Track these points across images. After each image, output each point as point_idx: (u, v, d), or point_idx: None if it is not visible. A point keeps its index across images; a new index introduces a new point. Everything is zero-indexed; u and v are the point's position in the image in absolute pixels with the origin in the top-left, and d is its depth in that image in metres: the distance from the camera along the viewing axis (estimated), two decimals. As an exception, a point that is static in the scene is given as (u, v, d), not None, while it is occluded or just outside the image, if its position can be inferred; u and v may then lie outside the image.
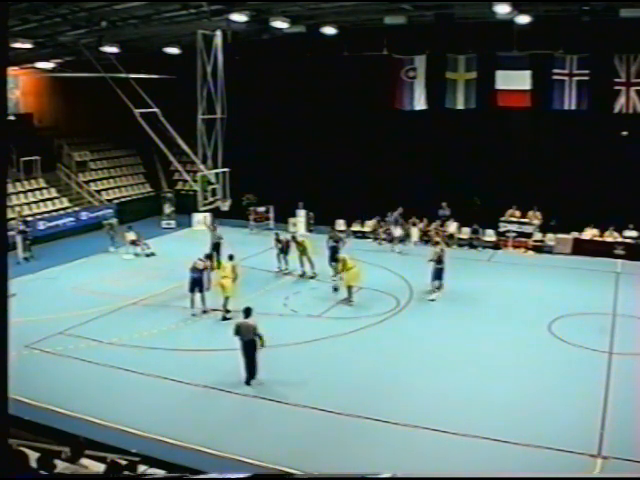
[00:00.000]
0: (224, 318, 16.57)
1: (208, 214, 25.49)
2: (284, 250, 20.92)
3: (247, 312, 13.03)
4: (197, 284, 17.07)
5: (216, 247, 21.80)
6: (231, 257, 17.91)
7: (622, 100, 21.66)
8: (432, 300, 18.16)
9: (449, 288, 19.15)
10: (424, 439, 10.92)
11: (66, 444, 7.52)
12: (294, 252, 20.79)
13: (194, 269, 17.11)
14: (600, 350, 14.39)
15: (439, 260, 18.49)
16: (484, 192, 24.80)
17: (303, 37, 21.62)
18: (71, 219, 27.07)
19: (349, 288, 17.93)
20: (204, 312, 17.23)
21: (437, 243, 19.45)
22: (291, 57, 25.03)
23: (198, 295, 17.17)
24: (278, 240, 21.05)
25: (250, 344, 12.70)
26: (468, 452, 10.41)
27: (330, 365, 13.95)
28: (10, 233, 21.77)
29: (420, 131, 25.17)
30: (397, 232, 24.89)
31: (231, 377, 13.13)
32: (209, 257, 17.77)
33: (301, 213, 27.61)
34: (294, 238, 21.00)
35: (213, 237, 22.33)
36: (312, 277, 20.38)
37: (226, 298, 16.73)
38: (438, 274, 18.44)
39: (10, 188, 25.80)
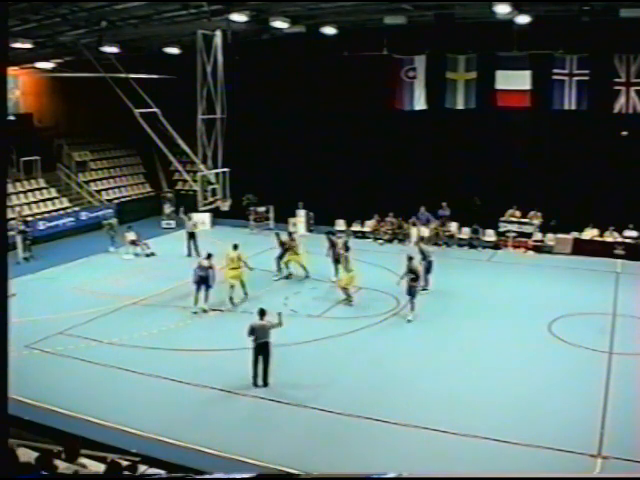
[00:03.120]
0: (232, 301, 17.73)
1: (182, 208, 26.64)
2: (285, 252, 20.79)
3: (262, 313, 12.97)
4: (203, 281, 17.24)
5: (192, 236, 23.23)
6: (235, 246, 18.41)
7: (622, 100, 21.68)
8: (409, 321, 16.62)
9: (449, 288, 19.21)
10: (424, 439, 10.92)
11: (61, 444, 7.53)
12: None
13: (200, 267, 17.33)
14: (600, 350, 14.39)
15: (415, 276, 16.80)
16: (484, 192, 24.81)
17: (303, 37, 21.64)
18: (71, 219, 27.07)
19: (345, 290, 17.92)
20: (204, 311, 17.28)
21: (411, 258, 17.17)
22: (291, 57, 25.04)
23: (202, 294, 17.24)
24: (282, 242, 20.77)
25: (264, 346, 12.68)
26: (468, 452, 10.41)
27: (330, 365, 13.95)
28: (10, 233, 21.78)
29: (420, 131, 25.18)
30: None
31: (231, 377, 13.16)
32: (210, 256, 17.83)
33: (301, 213, 27.61)
34: (292, 238, 20.79)
35: (187, 226, 23.69)
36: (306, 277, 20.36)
37: (242, 285, 18.09)
38: (410, 291, 16.75)
39: (10, 188, 25.80)
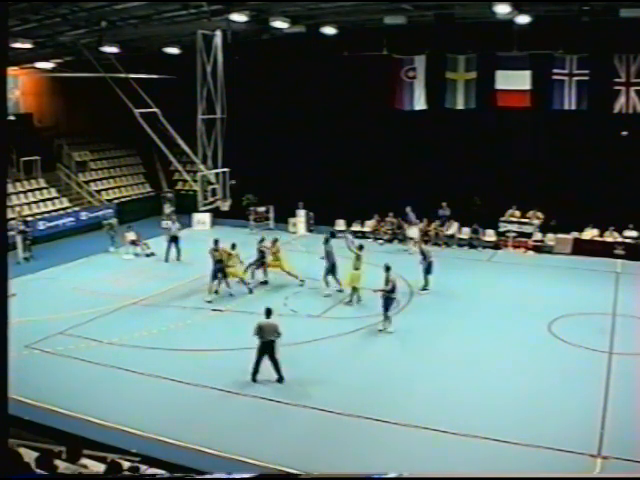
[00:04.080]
0: (250, 291, 18.81)
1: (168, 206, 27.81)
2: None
3: (268, 312, 13.11)
4: (219, 272, 18.31)
5: (174, 239, 22.83)
6: (234, 246, 19.09)
7: (622, 100, 21.67)
8: (380, 330, 15.87)
9: (449, 288, 19.20)
10: (424, 439, 10.92)
11: (63, 444, 7.54)
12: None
13: (216, 261, 18.33)
14: (600, 350, 14.39)
15: (392, 288, 15.76)
16: (484, 192, 24.81)
17: (303, 37, 21.64)
18: (71, 219, 27.07)
19: (354, 290, 17.76)
20: (210, 302, 17.86)
21: (388, 268, 16.07)
22: (291, 57, 25.04)
23: (216, 283, 18.35)
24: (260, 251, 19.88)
25: (270, 344, 12.79)
26: (468, 452, 10.42)
27: (330, 365, 13.95)
28: (10, 233, 21.78)
29: (420, 131, 25.17)
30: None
31: (231, 377, 13.16)
32: (217, 242, 18.77)
33: (301, 213, 27.62)
34: (274, 244, 19.89)
35: (172, 230, 23.06)
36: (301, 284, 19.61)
37: (241, 280, 18.81)
38: (387, 304, 15.80)
39: (10, 188, 25.80)
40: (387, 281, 15.83)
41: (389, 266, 16.12)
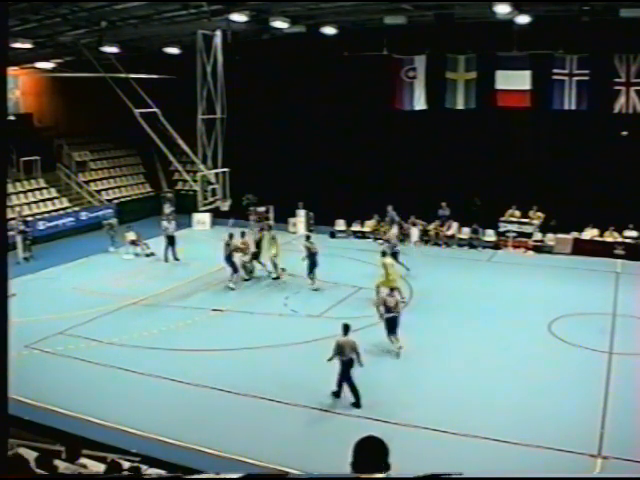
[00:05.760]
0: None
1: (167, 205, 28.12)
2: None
3: (346, 329, 12.31)
4: (230, 265, 19.36)
5: (171, 240, 22.81)
6: (243, 234, 20.72)
7: (622, 100, 21.67)
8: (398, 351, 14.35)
9: (449, 288, 19.22)
10: (424, 439, 10.92)
11: (63, 444, 7.54)
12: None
13: (227, 254, 19.36)
14: (600, 350, 14.39)
15: (387, 308, 14.38)
16: (484, 192, 24.80)
17: (303, 37, 21.64)
18: (71, 219, 27.09)
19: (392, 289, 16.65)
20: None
21: (390, 287, 15.32)
22: (291, 57, 25.04)
23: (229, 271, 19.35)
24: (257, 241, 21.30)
25: (349, 364, 12.00)
26: (468, 452, 10.41)
27: (330, 365, 13.90)
28: (10, 233, 21.78)
29: (420, 131, 25.18)
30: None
31: (231, 377, 13.16)
32: (232, 236, 19.71)
33: (301, 213, 27.62)
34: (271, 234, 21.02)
35: (169, 230, 23.07)
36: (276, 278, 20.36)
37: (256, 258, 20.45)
38: (392, 325, 14.41)
39: (10, 188, 25.80)
40: (381, 299, 15.00)
41: (395, 285, 16.10)
